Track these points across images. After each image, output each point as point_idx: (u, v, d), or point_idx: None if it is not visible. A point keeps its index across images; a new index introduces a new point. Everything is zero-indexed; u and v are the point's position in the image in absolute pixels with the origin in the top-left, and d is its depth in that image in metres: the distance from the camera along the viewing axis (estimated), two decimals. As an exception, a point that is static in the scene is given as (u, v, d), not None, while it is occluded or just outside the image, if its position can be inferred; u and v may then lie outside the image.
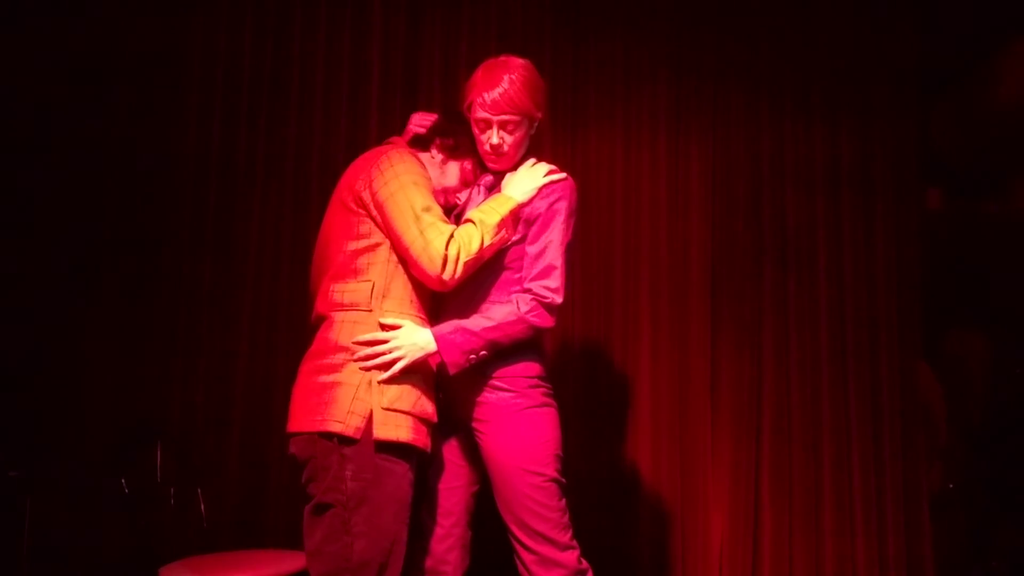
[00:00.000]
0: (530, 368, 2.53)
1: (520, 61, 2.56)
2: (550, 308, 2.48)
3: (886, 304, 3.80)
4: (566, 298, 3.53)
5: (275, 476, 3.50)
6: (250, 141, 3.70)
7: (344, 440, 2.29)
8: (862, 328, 3.79)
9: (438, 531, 2.57)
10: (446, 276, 2.36)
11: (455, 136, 2.62)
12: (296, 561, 3.00)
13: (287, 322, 3.56)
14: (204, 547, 3.25)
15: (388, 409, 2.33)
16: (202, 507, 3.39)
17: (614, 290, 3.74)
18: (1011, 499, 4.07)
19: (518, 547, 2.47)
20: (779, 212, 3.83)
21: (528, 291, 2.48)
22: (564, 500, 2.49)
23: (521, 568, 2.48)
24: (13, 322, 3.46)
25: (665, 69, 3.85)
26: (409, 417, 2.36)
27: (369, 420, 2.30)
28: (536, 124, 2.59)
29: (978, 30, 4.13)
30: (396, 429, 2.33)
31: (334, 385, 2.34)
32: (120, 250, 3.60)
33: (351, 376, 2.34)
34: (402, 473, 2.34)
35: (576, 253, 3.63)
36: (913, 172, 3.89)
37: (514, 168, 2.61)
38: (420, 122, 2.69)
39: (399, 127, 2.84)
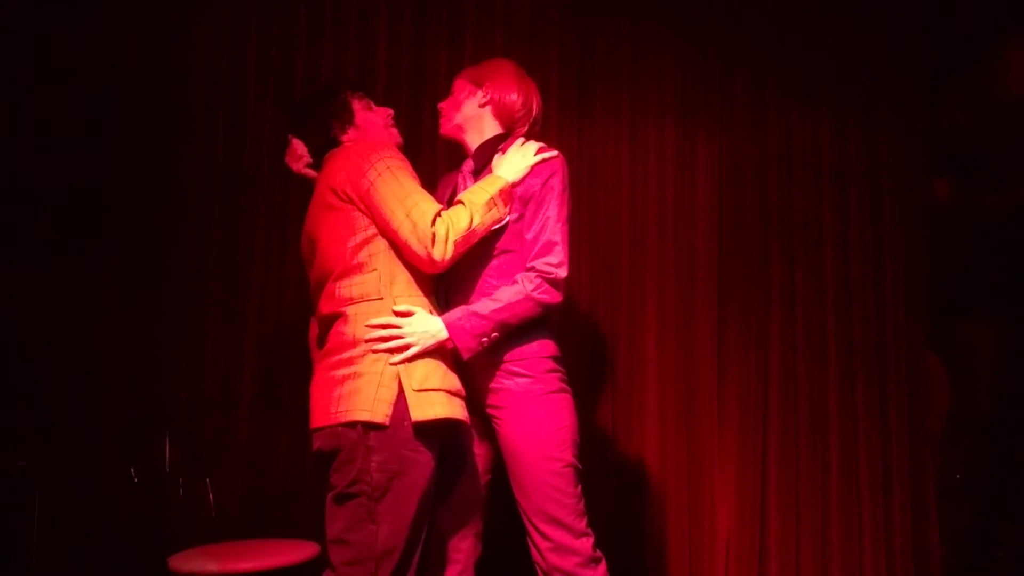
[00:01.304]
0: (545, 347, 2.55)
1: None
2: (555, 283, 2.49)
3: (893, 295, 3.80)
4: (572, 291, 3.59)
5: (283, 466, 3.51)
6: (255, 136, 3.70)
7: (372, 427, 2.28)
8: (869, 319, 3.79)
9: (451, 519, 2.58)
10: (436, 256, 2.36)
11: (332, 115, 2.63)
12: (304, 550, 3.00)
13: (293, 313, 3.55)
14: (212, 536, 3.25)
15: (420, 390, 2.33)
16: (210, 497, 3.40)
17: (620, 283, 3.74)
18: (1017, 489, 4.07)
19: (533, 533, 2.48)
20: (786, 204, 3.83)
21: (532, 269, 2.50)
22: (580, 487, 2.50)
23: (536, 555, 2.49)
24: (23, 314, 3.46)
25: (671, 62, 3.84)
26: (442, 393, 2.36)
27: (396, 406, 2.29)
28: (489, 98, 2.69)
29: (985, 19, 4.12)
30: (432, 407, 2.32)
31: (355, 376, 2.33)
32: (128, 243, 3.61)
33: (372, 365, 2.33)
34: (426, 462, 2.33)
35: (576, 234, 3.63)
36: (920, 163, 3.89)
37: (476, 151, 2.69)
38: (301, 151, 2.73)
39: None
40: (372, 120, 2.67)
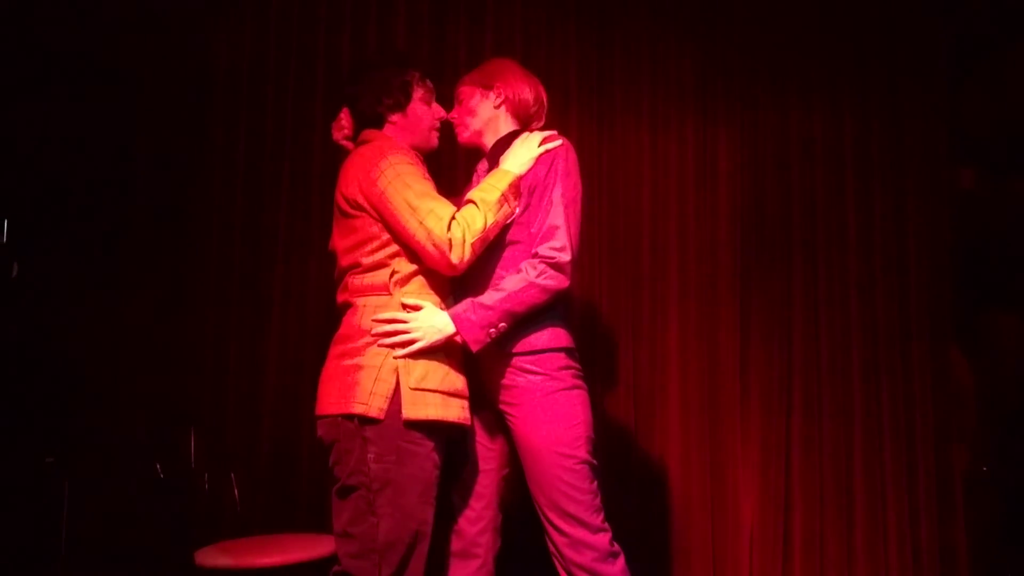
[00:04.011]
0: (556, 336, 2.52)
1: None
2: (559, 267, 2.46)
3: (917, 286, 3.77)
4: (593, 285, 3.59)
5: (307, 460, 3.53)
6: (277, 130, 3.73)
7: (367, 421, 2.32)
8: (893, 310, 3.76)
9: (469, 514, 2.59)
10: (455, 259, 2.36)
11: (389, 90, 2.58)
12: (328, 544, 3.01)
13: (316, 308, 3.58)
14: (237, 531, 3.28)
15: (416, 389, 2.35)
16: (235, 492, 3.43)
17: (642, 274, 3.74)
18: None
19: (550, 529, 2.48)
20: (808, 194, 3.80)
21: (535, 255, 2.48)
22: (596, 482, 2.49)
23: (552, 550, 2.49)
24: (50, 310, 3.50)
25: (691, 52, 3.82)
26: (437, 395, 2.38)
27: (392, 401, 2.32)
28: (503, 98, 2.69)
29: (1008, 6, 4.06)
30: (425, 408, 2.35)
31: (357, 368, 2.36)
32: (153, 241, 3.65)
33: (373, 358, 2.37)
34: (425, 454, 2.36)
35: (597, 228, 3.69)
36: (944, 152, 3.85)
37: (491, 148, 2.68)
38: (346, 122, 2.69)
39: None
40: (420, 116, 2.63)
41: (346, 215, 2.47)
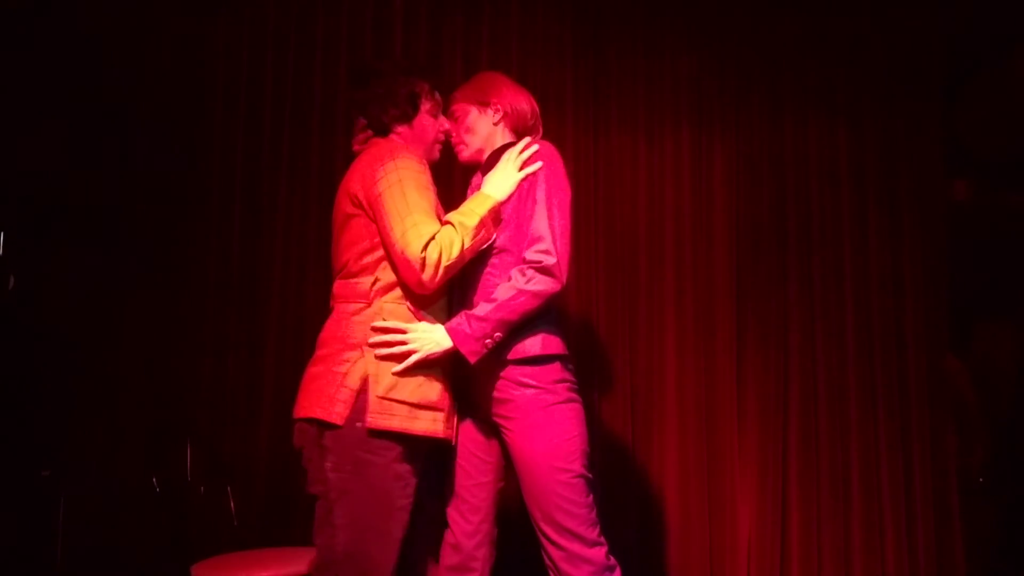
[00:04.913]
0: (550, 343, 2.50)
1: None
2: (546, 271, 2.44)
3: (913, 297, 3.78)
4: (590, 296, 3.58)
5: (303, 473, 3.52)
6: (274, 142, 3.74)
7: (325, 426, 2.29)
8: (889, 321, 3.76)
9: (467, 527, 2.58)
10: (425, 278, 2.33)
11: (396, 100, 2.55)
12: (325, 558, 3.03)
13: (314, 320, 3.56)
14: (234, 545, 3.26)
15: (383, 398, 2.31)
16: (232, 505, 3.42)
17: (639, 287, 3.74)
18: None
19: (546, 543, 2.47)
20: (804, 206, 3.81)
21: (524, 261, 2.47)
22: (592, 496, 2.48)
23: (549, 564, 2.48)
24: (45, 323, 3.50)
25: (686, 63, 3.84)
26: (404, 406, 2.33)
27: (353, 408, 2.29)
28: (502, 113, 2.67)
29: (1002, 19, 4.09)
30: (389, 418, 2.30)
31: (323, 374, 2.36)
32: (150, 254, 3.65)
33: (340, 364, 2.34)
34: (385, 465, 2.30)
35: (593, 239, 3.70)
36: (938, 164, 3.86)
37: (486, 161, 2.67)
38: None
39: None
40: (426, 128, 2.61)
41: (348, 215, 2.45)
